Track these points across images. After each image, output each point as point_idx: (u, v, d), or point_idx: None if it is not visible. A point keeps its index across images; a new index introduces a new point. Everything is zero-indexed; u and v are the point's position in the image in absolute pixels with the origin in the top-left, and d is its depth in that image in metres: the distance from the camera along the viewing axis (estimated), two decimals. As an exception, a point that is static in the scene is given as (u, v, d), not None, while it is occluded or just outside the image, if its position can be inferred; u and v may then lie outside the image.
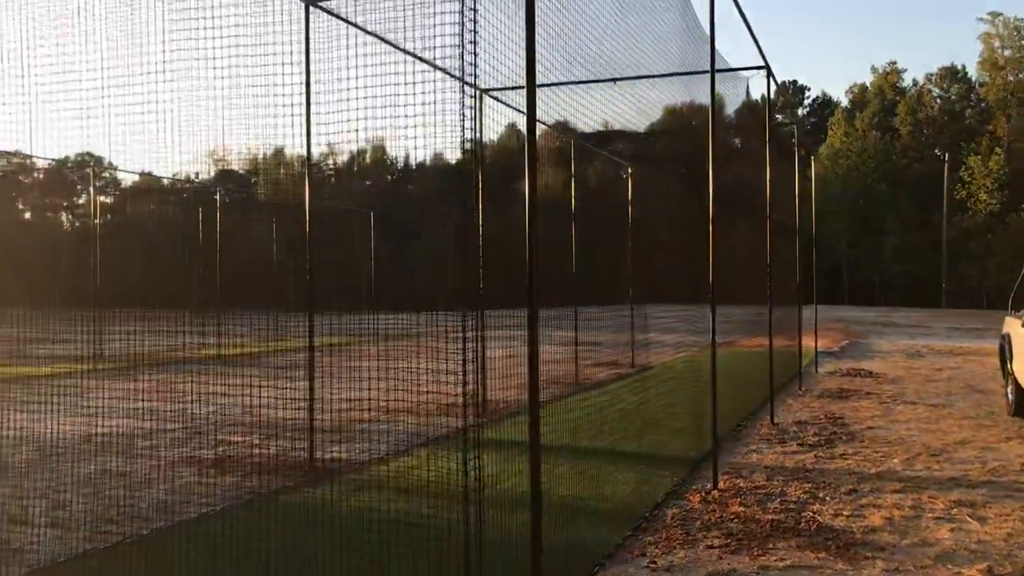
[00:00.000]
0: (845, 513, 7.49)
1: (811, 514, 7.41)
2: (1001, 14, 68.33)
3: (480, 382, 5.91)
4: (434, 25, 5.51)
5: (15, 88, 7.00)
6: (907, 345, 26.80)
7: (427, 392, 7.15)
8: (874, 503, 7.84)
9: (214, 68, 7.42)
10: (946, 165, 66.37)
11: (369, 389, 7.43)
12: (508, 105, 12.56)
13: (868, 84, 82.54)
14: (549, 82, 8.83)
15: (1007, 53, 69.11)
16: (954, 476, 8.96)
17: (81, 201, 30.89)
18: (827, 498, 8.00)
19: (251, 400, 7.98)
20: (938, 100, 77.23)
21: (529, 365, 4.50)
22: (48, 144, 7.65)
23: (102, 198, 24.45)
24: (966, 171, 66.61)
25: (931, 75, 78.60)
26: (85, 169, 23.29)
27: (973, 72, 75.18)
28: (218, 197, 24.58)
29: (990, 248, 65.15)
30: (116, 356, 17.96)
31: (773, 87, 12.30)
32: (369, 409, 10.69)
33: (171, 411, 11.91)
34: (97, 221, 21.80)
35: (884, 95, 78.91)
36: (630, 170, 18.66)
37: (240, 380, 8.42)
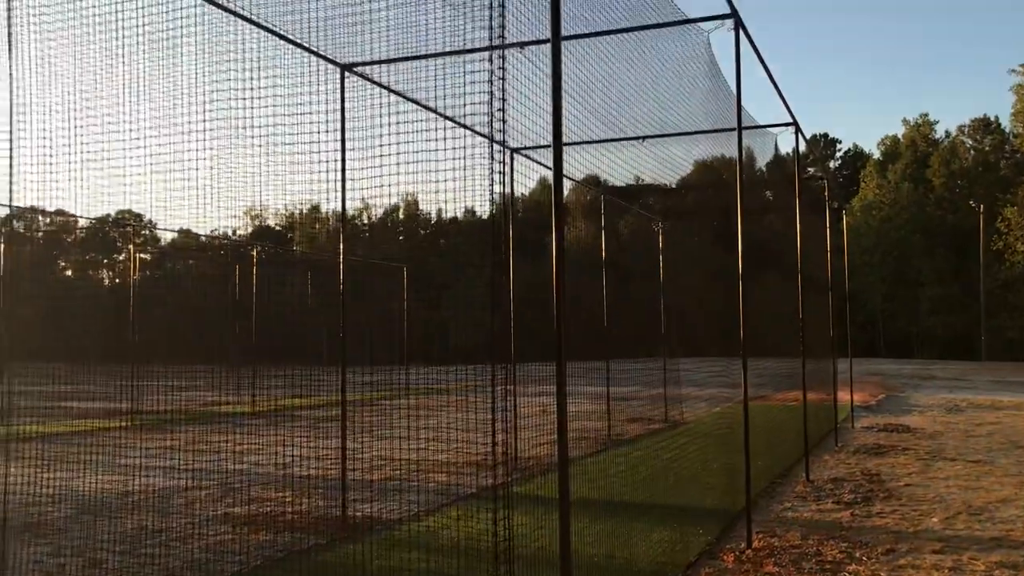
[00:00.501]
0: (882, 574, 7.36)
1: (847, 575, 7.29)
2: (1033, 65, 67.97)
3: (511, 438, 5.93)
4: (464, 92, 5.67)
5: (62, 151, 7.27)
6: (946, 399, 26.35)
7: (458, 449, 7.19)
8: (912, 564, 7.70)
9: (253, 128, 7.66)
10: (981, 216, 65.68)
11: (401, 448, 7.48)
12: (538, 162, 12.76)
13: (900, 136, 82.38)
14: (576, 140, 9.00)
15: (1041, 104, 68.60)
16: (996, 536, 8.78)
17: (120, 258, 31.53)
18: (864, 558, 7.86)
19: (284, 456, 8.05)
20: (972, 151, 76.78)
21: (558, 421, 4.53)
22: (91, 203, 7.90)
23: (141, 255, 24.95)
24: (1002, 222, 65.87)
25: (964, 127, 78.32)
26: (125, 227, 23.83)
27: (1007, 123, 74.76)
28: (255, 253, 24.99)
29: (1029, 299, 64.04)
30: (152, 412, 18.19)
31: (802, 143, 12.38)
32: (400, 467, 10.73)
33: (205, 467, 12.01)
34: (135, 277, 22.22)
35: (916, 147, 78.65)
36: (660, 224, 18.74)
37: (273, 436, 8.50)
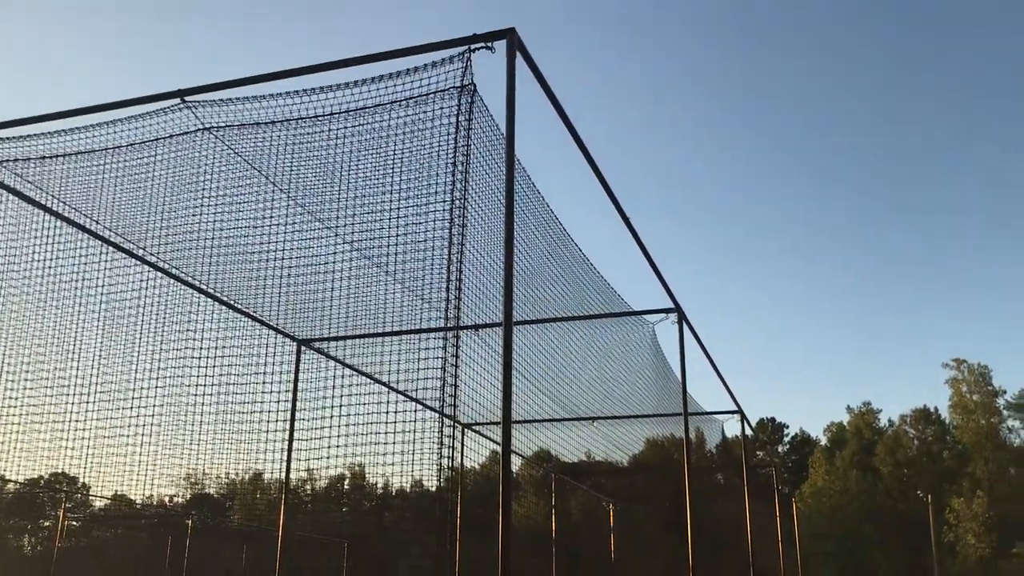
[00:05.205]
0: None
1: None
2: (965, 360, 71.33)
3: None
4: (418, 369, 5.82)
5: (6, 411, 7.16)
6: None
7: None
8: None
9: (203, 397, 7.66)
10: (930, 507, 65.81)
11: None
12: (488, 438, 12.76)
13: (845, 423, 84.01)
14: (526, 419, 9.10)
15: (975, 397, 71.19)
16: None
17: (46, 524, 29.94)
18: None
19: None
20: (915, 441, 78.25)
21: None
22: (27, 464, 7.67)
23: (71, 522, 23.77)
24: (951, 513, 65.89)
25: (906, 416, 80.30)
26: (57, 492, 22.86)
27: (946, 414, 76.95)
28: (189, 523, 23.90)
29: (987, 595, 62.68)
30: None
31: (748, 430, 12.62)
32: None
33: None
34: (59, 545, 21.06)
35: (861, 434, 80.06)
36: (612, 506, 18.49)
37: None
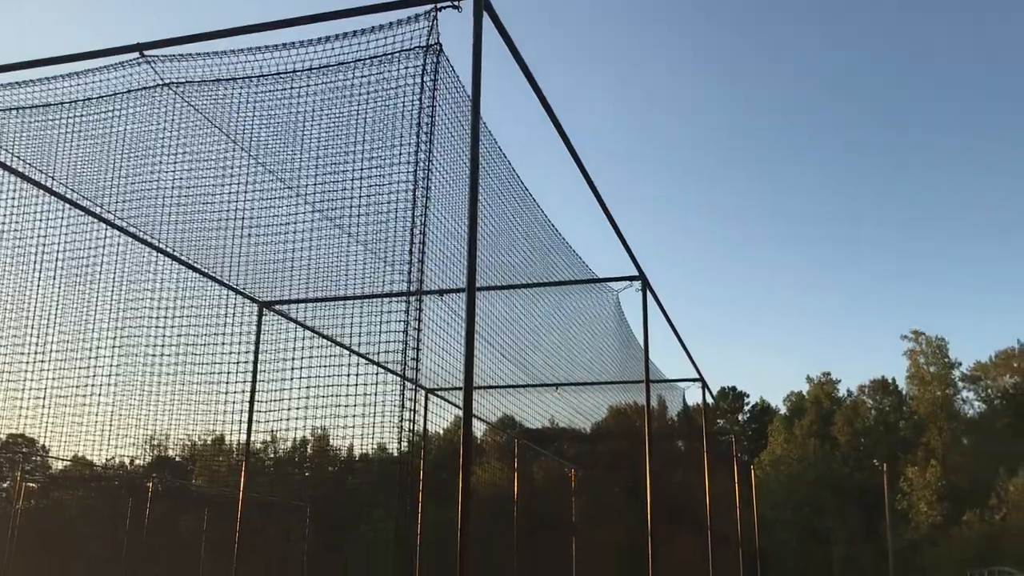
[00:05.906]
0: None
1: None
2: (923, 333, 72.48)
3: None
4: (380, 333, 5.77)
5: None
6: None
7: None
8: None
9: (163, 358, 7.57)
10: (884, 476, 67.14)
11: None
12: (451, 403, 12.77)
13: (805, 393, 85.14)
14: (490, 384, 9.10)
15: (932, 369, 72.47)
16: None
17: (4, 486, 29.61)
18: None
19: None
20: (873, 411, 79.58)
21: None
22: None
23: (28, 483, 23.50)
24: (905, 482, 67.28)
25: (864, 387, 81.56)
26: (15, 454, 22.59)
27: (903, 385, 78.29)
28: (150, 486, 23.70)
29: (937, 561, 64.29)
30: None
31: (709, 398, 12.74)
32: None
33: None
34: (19, 507, 20.82)
35: (821, 404, 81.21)
36: (573, 471, 18.64)
37: None
